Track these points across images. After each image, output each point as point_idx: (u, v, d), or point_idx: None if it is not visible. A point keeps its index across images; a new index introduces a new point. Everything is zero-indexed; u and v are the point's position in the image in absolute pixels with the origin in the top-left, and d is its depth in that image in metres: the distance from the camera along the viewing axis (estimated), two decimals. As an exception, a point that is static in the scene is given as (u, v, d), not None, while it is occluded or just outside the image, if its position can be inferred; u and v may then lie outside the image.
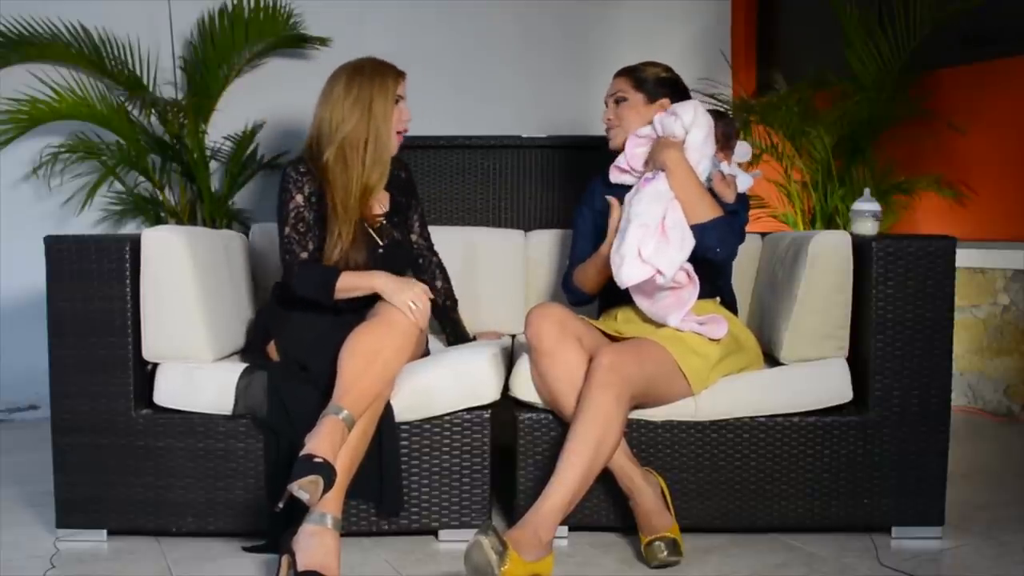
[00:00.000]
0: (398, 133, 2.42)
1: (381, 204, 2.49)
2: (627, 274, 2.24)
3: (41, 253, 2.26)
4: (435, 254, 2.69)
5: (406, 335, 2.16)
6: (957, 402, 3.60)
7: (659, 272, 2.23)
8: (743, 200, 2.47)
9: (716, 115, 2.55)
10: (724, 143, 2.53)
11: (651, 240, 2.25)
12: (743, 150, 2.58)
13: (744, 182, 2.50)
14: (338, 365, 2.09)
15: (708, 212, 2.29)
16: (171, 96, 3.80)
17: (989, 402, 3.64)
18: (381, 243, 2.42)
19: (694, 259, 2.28)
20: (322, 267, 2.32)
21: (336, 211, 2.33)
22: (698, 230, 2.27)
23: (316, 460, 1.91)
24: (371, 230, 2.42)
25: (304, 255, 2.33)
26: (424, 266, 2.65)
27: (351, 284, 2.27)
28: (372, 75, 2.38)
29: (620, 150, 2.50)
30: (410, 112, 2.45)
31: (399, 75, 2.42)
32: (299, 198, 2.35)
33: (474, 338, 2.71)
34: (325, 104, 2.38)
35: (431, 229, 2.71)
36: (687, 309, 2.29)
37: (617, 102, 2.51)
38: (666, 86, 2.51)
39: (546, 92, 4.51)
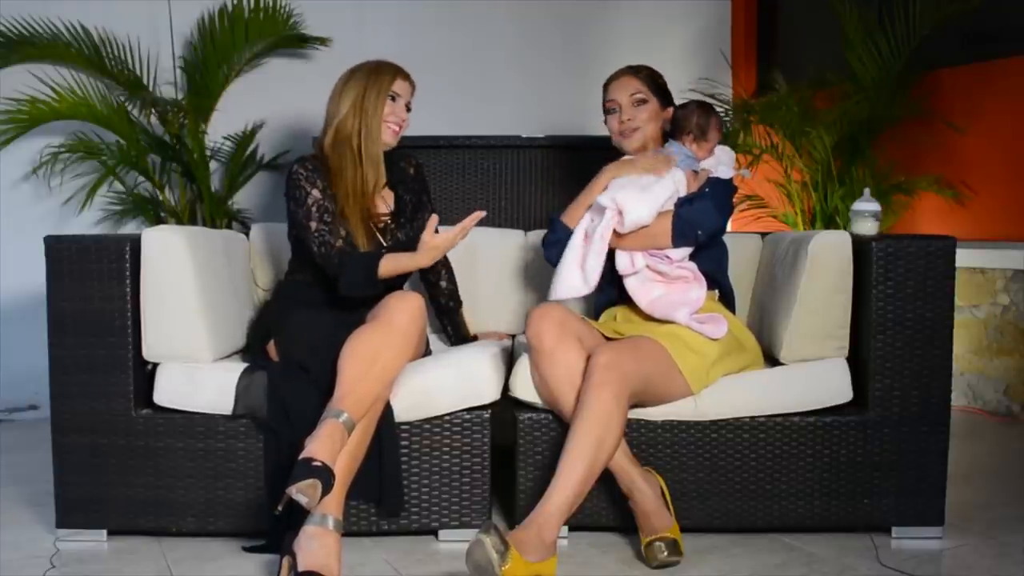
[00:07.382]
0: (392, 129, 2.43)
1: (385, 202, 2.49)
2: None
3: (41, 253, 2.26)
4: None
5: (406, 337, 2.15)
6: (957, 402, 3.59)
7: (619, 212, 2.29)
8: (717, 183, 2.41)
9: (697, 105, 2.51)
10: (699, 134, 2.46)
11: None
12: (725, 156, 2.48)
13: (724, 172, 2.44)
14: (338, 367, 2.08)
15: (662, 228, 2.33)
16: (171, 96, 3.80)
17: (989, 402, 3.64)
18: (384, 243, 2.42)
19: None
20: (361, 256, 2.30)
21: (344, 201, 2.35)
22: (674, 238, 2.33)
23: (315, 464, 1.90)
24: (375, 228, 2.42)
25: (339, 243, 2.31)
26: (431, 266, 2.62)
27: (392, 268, 2.29)
28: (369, 71, 2.43)
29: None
30: (408, 116, 2.46)
31: (398, 73, 2.44)
32: (315, 192, 2.35)
33: (475, 338, 2.71)
34: (329, 101, 2.45)
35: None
36: (695, 308, 2.29)
37: (637, 103, 2.48)
38: (669, 96, 2.53)
39: (546, 92, 4.51)
